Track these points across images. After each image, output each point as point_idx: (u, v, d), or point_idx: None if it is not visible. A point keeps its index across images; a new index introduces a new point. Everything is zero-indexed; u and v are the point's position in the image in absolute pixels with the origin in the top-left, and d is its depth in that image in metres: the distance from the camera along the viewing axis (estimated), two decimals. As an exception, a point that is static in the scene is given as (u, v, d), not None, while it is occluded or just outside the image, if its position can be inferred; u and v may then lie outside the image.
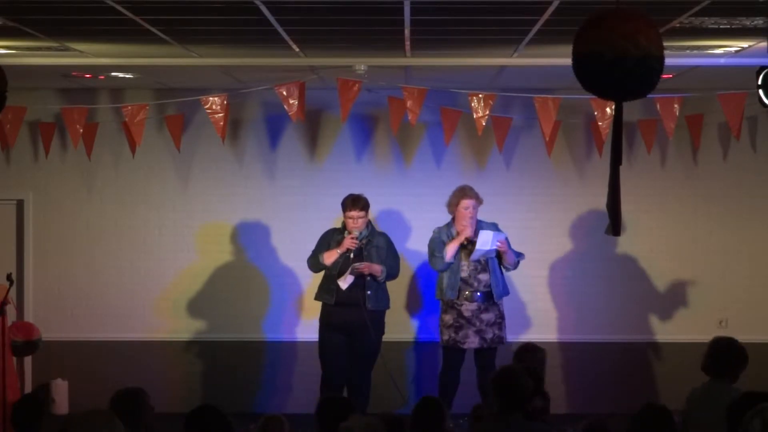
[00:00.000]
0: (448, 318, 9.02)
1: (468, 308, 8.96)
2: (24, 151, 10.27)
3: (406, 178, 10.33)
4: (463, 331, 8.96)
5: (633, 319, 10.33)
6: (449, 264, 8.94)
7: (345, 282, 8.90)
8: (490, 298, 8.98)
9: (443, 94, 9.26)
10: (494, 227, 9.09)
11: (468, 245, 8.98)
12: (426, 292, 10.16)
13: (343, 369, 9.02)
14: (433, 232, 9.12)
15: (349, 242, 8.91)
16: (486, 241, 8.85)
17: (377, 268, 8.95)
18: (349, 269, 8.86)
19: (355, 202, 8.98)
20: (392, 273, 9.12)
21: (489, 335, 8.99)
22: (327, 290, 9.03)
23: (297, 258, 10.06)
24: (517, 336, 10.24)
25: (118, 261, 10.38)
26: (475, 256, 8.91)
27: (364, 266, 8.87)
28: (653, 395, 9.99)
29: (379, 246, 9.03)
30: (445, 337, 9.04)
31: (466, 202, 8.98)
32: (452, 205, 9.05)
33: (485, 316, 8.98)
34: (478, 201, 9.02)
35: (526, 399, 5.66)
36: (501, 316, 9.07)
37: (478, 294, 8.97)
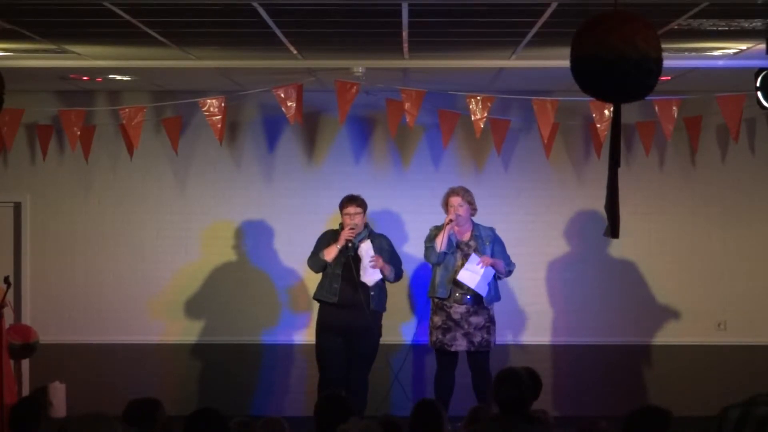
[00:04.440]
0: (437, 319, 9.02)
1: (457, 310, 8.95)
2: (21, 153, 10.26)
3: (404, 180, 10.33)
4: (450, 333, 8.95)
5: (632, 321, 10.32)
6: (443, 255, 8.92)
7: (370, 277, 8.89)
8: (480, 302, 8.97)
9: (441, 96, 9.26)
10: (491, 232, 9.08)
11: (461, 247, 8.96)
12: (423, 295, 10.14)
13: (341, 371, 9.00)
14: (430, 230, 9.13)
15: (347, 233, 8.91)
16: (472, 273, 8.84)
17: (387, 267, 8.96)
18: (369, 261, 8.85)
19: (351, 200, 9.01)
20: (398, 274, 9.14)
21: (477, 339, 8.97)
22: (329, 289, 9.00)
23: (295, 260, 10.05)
24: (514, 338, 10.25)
25: (116, 263, 10.36)
26: (480, 289, 8.88)
27: (378, 259, 8.86)
28: (652, 398, 9.98)
29: (382, 248, 9.03)
30: (433, 339, 9.06)
31: (452, 199, 9.01)
32: (444, 206, 9.08)
33: (474, 320, 8.96)
34: (466, 198, 9.01)
35: (528, 402, 5.64)
36: (490, 321, 9.04)
37: (468, 297, 8.95)
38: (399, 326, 10.18)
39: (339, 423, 5.48)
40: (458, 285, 8.96)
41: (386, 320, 9.23)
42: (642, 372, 10.30)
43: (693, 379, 10.23)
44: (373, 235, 9.11)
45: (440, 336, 8.99)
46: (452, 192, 9.07)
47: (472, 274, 8.86)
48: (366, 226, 9.09)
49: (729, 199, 10.34)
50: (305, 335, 10.13)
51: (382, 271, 8.95)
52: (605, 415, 7.97)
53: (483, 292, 8.89)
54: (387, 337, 9.30)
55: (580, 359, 10.30)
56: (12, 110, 8.98)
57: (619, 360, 10.27)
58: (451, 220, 8.93)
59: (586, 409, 9.85)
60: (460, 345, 8.96)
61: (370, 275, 8.92)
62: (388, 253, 9.06)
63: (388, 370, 9.81)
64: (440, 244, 8.89)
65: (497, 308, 9.17)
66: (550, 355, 10.29)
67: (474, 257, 8.90)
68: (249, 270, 10.35)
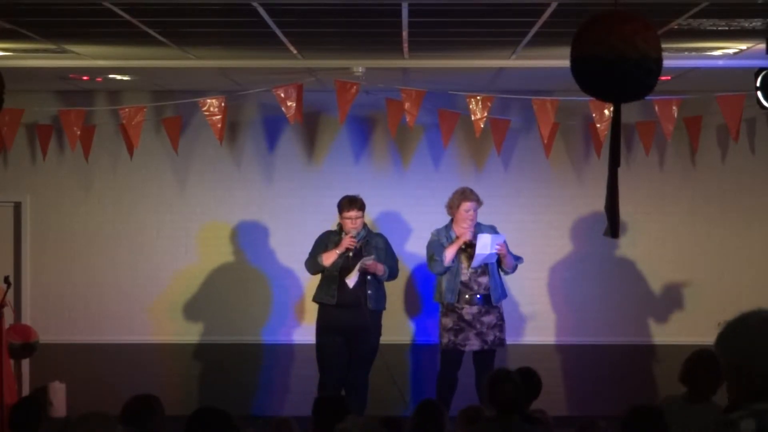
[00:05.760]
0: (448, 321, 8.99)
1: (469, 311, 8.93)
2: (21, 153, 10.26)
3: (404, 180, 10.32)
4: (463, 333, 8.94)
5: (631, 321, 10.32)
6: (448, 268, 8.92)
7: (352, 280, 8.87)
8: (489, 301, 8.96)
9: (441, 95, 9.26)
10: (492, 230, 9.06)
11: (467, 249, 8.95)
12: (424, 293, 10.15)
13: (341, 371, 9.01)
14: (432, 234, 9.08)
15: (348, 242, 8.89)
16: (485, 245, 8.82)
17: (381, 267, 8.94)
18: (357, 266, 8.83)
19: (352, 203, 8.97)
20: (393, 273, 9.12)
21: (490, 337, 8.97)
22: (327, 291, 9.01)
23: (295, 260, 10.05)
24: (515, 338, 10.24)
25: (116, 263, 10.37)
26: (476, 262, 8.87)
27: (371, 263, 8.84)
28: (651, 398, 9.98)
29: (378, 247, 9.03)
30: (445, 340, 9.02)
31: (467, 205, 8.95)
32: (452, 207, 9.02)
33: (486, 319, 8.96)
34: (479, 203, 9.00)
35: (522, 402, 5.64)
36: (501, 318, 9.06)
37: (478, 297, 8.94)
38: (399, 325, 10.18)
39: (336, 423, 5.49)
40: (467, 287, 8.95)
41: (386, 319, 9.23)
42: (642, 371, 10.30)
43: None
44: (370, 235, 9.10)
45: (452, 337, 8.96)
46: (464, 197, 8.97)
47: (485, 246, 8.80)
48: (364, 225, 9.08)
49: (729, 199, 10.34)
50: (305, 335, 10.12)
51: (370, 271, 8.90)
52: (605, 415, 7.98)
53: (479, 259, 8.81)
54: (387, 337, 9.29)
55: (580, 359, 10.30)
56: (12, 110, 8.98)
57: (619, 359, 10.27)
58: (466, 243, 8.89)
59: (587, 409, 9.85)
60: (474, 344, 8.95)
61: (352, 279, 8.89)
62: (383, 252, 9.05)
63: (388, 370, 9.80)
64: (449, 259, 8.87)
65: (500, 308, 9.20)
66: (550, 354, 10.28)
67: (498, 237, 8.86)
68: (249, 269, 10.35)
